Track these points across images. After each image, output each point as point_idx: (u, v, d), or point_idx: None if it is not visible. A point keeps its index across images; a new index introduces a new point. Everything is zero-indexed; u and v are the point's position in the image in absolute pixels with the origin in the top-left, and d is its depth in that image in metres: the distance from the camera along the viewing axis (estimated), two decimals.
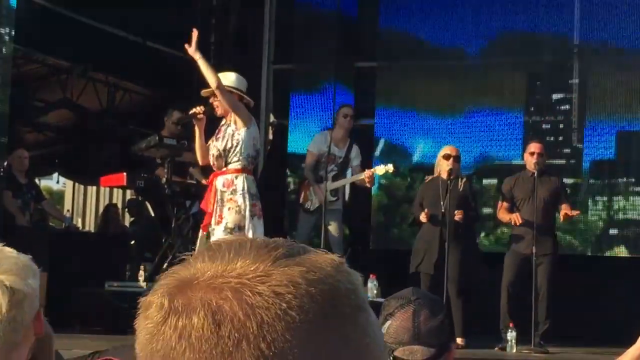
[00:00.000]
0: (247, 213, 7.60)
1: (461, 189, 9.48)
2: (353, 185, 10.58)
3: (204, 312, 0.91)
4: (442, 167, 9.52)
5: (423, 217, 9.40)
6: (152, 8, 12.79)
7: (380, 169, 10.05)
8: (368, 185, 10.26)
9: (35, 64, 11.89)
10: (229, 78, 7.90)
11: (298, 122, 12.86)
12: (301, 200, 10.68)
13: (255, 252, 0.95)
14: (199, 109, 8.03)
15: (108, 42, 12.56)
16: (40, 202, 11.54)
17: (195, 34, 7.77)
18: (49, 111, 12.67)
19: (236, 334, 0.90)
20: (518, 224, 9.31)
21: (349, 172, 10.55)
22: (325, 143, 10.51)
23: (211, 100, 7.90)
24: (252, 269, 0.93)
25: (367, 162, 11.17)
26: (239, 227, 7.56)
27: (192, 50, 7.74)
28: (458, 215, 9.25)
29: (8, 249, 2.24)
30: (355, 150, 10.60)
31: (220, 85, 7.62)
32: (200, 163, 8.11)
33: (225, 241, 0.99)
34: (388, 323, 2.78)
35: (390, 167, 9.98)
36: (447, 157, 9.51)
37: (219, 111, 7.88)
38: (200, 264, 0.95)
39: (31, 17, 11.05)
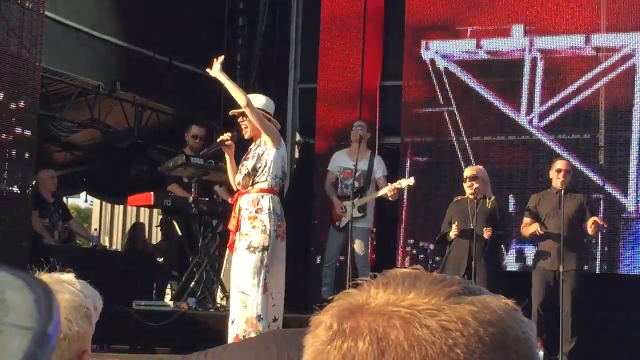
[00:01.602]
0: (273, 233, 7.58)
1: (489, 207, 9.52)
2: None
3: (370, 338, 0.91)
4: (467, 188, 9.57)
5: (454, 231, 9.41)
6: (179, 28, 12.89)
7: (403, 182, 10.24)
8: (391, 199, 10.42)
9: (62, 83, 11.96)
10: (259, 100, 7.87)
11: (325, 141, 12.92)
12: (333, 217, 10.87)
13: (430, 285, 0.94)
14: (226, 136, 7.96)
15: (135, 62, 12.65)
16: (67, 222, 11.62)
17: (220, 58, 7.73)
18: (77, 131, 12.75)
19: None
20: (539, 233, 9.37)
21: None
22: (342, 160, 10.79)
23: (239, 120, 7.81)
24: (424, 301, 0.92)
25: (394, 180, 11.25)
26: (264, 247, 7.51)
27: (215, 72, 7.69)
28: (487, 233, 9.30)
29: (69, 284, 2.20)
30: (377, 162, 10.71)
31: (249, 104, 7.56)
32: (234, 188, 8.02)
33: (401, 271, 0.98)
34: None
35: (411, 180, 10.18)
36: (465, 179, 9.59)
37: (247, 132, 7.80)
38: (374, 290, 0.95)
39: (58, 37, 11.15)
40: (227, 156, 7.98)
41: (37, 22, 10.03)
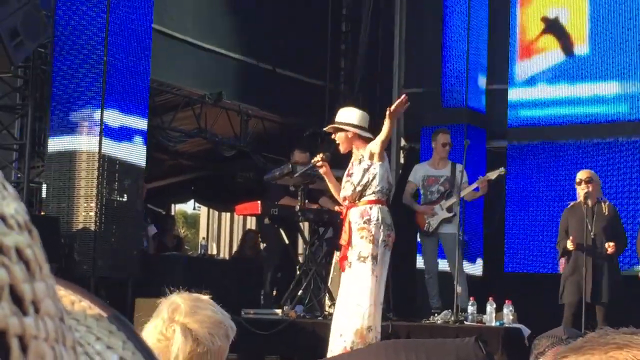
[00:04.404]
0: (381, 243, 7.55)
1: (606, 213, 9.21)
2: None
3: None
4: (578, 193, 9.31)
5: (570, 245, 9.19)
6: (281, 35, 12.96)
7: (492, 174, 10.16)
8: (481, 193, 10.37)
9: (169, 94, 12.14)
10: (354, 115, 7.88)
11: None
12: (420, 225, 10.79)
13: None
14: (318, 158, 8.09)
15: (239, 70, 12.76)
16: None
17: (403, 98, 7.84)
18: (184, 140, 12.92)
19: None
20: None
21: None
22: (424, 170, 10.75)
23: (333, 136, 7.91)
24: None
25: (499, 183, 11.16)
26: (373, 257, 7.50)
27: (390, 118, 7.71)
28: (610, 249, 9.00)
29: (208, 303, 2.28)
30: (459, 170, 10.60)
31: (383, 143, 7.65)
32: (340, 203, 8.08)
33: None
34: None
35: (502, 170, 10.07)
36: (578, 182, 9.31)
37: (342, 147, 7.86)
38: None
39: (164, 48, 11.31)
40: (324, 176, 8.09)
41: (144, 34, 10.21)
